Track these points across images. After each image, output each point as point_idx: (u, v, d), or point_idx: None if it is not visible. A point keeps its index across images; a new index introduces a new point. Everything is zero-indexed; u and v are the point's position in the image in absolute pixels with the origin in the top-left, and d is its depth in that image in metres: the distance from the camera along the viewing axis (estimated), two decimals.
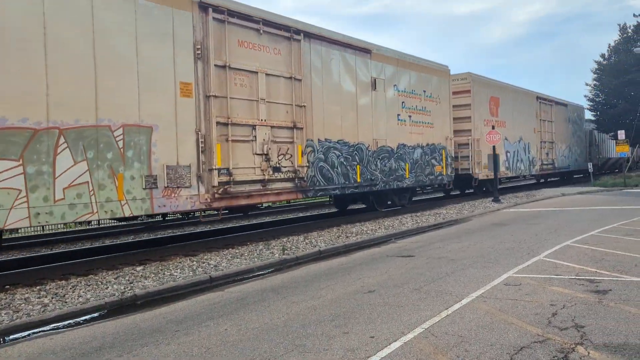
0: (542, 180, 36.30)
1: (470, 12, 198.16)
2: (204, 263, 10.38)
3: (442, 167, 20.53)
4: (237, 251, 11.66)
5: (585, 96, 43.69)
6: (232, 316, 6.83)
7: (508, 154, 26.26)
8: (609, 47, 42.09)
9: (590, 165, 33.46)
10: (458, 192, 27.23)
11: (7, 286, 8.70)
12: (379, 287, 7.95)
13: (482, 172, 23.84)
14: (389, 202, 19.09)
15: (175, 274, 9.51)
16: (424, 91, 19.51)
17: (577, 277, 7.90)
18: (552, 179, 37.05)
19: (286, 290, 8.21)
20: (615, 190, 28.08)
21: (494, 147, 22.74)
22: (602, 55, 42.01)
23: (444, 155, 20.75)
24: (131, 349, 5.74)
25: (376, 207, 18.73)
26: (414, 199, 21.44)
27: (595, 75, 42.03)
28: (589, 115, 42.07)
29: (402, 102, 18.12)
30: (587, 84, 42.81)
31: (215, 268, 9.94)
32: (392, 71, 17.72)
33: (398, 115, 17.85)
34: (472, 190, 25.84)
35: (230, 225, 17.57)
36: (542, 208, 19.48)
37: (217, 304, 7.58)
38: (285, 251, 11.52)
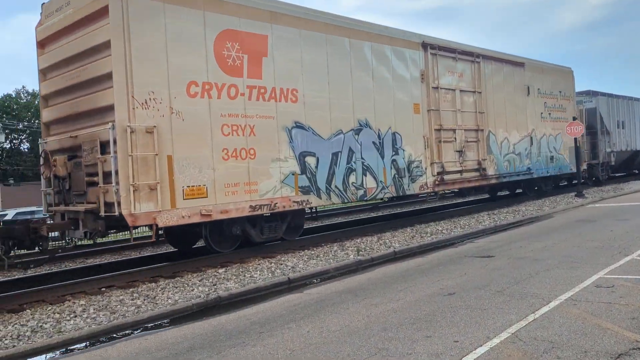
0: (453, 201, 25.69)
1: None
2: (281, 265, 10.60)
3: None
4: (312, 252, 11.81)
5: None
6: (313, 318, 6.93)
7: (306, 160, 12.56)
8: None
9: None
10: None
11: (103, 288, 9.30)
12: (459, 289, 7.80)
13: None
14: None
15: (255, 275, 9.78)
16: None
17: None
18: (477, 197, 25.47)
19: (364, 292, 8.22)
20: None
21: (575, 139, 21.76)
22: None
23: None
24: (220, 349, 5.97)
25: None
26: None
27: None
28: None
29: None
30: None
31: (292, 270, 10.12)
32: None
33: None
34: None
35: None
36: (632, 202, 18.32)
37: (297, 305, 7.72)
38: (360, 252, 11.54)
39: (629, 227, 12.49)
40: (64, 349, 6.56)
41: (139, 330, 7.13)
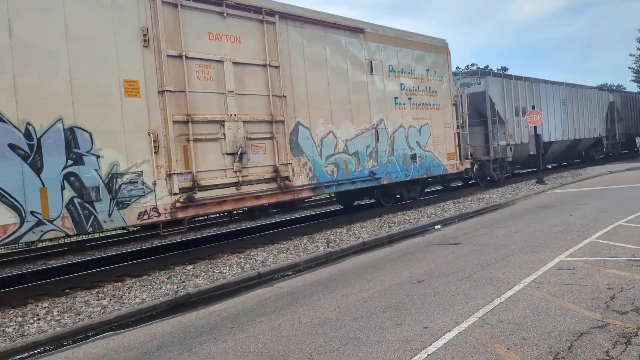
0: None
1: None
2: (251, 259, 10.55)
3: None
4: (282, 246, 11.80)
5: (629, 68, 42.00)
6: (284, 311, 6.94)
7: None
8: None
9: (638, 140, 32.67)
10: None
11: (67, 290, 9.08)
12: (427, 277, 7.92)
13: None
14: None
15: (224, 271, 9.71)
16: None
17: (633, 259, 7.68)
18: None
19: (335, 283, 8.27)
20: None
21: (535, 127, 22.23)
22: None
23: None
24: (190, 346, 5.92)
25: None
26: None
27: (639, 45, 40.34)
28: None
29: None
30: (631, 55, 41.17)
31: (262, 264, 10.09)
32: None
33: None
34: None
35: (273, 220, 17.77)
36: (589, 187, 18.93)
37: (268, 299, 7.71)
38: (330, 244, 11.59)
39: (587, 211, 12.91)
40: (28, 353, 6.38)
41: (106, 331, 6.99)
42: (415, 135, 16.80)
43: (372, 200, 17.98)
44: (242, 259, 10.62)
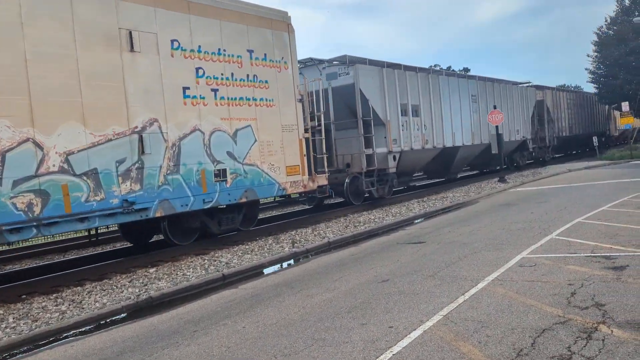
0: None
1: None
2: (215, 261, 10.39)
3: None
4: (247, 247, 11.66)
5: (586, 69, 43.21)
6: (249, 313, 6.83)
7: None
8: (605, 19, 41.68)
9: (595, 139, 33.43)
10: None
11: (24, 295, 8.73)
12: (392, 276, 7.94)
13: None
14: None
15: (188, 273, 9.52)
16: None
17: (592, 255, 7.86)
18: None
19: (300, 283, 8.20)
20: (622, 163, 27.95)
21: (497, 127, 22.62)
22: (600, 29, 41.61)
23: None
24: (152, 351, 5.75)
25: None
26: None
27: (596, 47, 41.63)
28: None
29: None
30: (588, 55, 42.40)
31: (227, 265, 9.95)
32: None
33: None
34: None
35: None
36: (550, 185, 19.41)
37: (232, 301, 7.59)
38: (295, 244, 11.52)
39: (548, 209, 13.21)
40: None
41: (65, 338, 6.74)
42: (225, 142, 11.91)
43: (308, 207, 17.25)
44: (206, 261, 10.44)
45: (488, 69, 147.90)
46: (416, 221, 14.03)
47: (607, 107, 42.81)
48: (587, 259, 7.64)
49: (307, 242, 11.72)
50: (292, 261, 10.35)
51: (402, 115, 18.91)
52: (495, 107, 23.55)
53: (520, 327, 5.21)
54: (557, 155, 36.33)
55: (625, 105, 31.07)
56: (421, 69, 20.70)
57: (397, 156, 18.64)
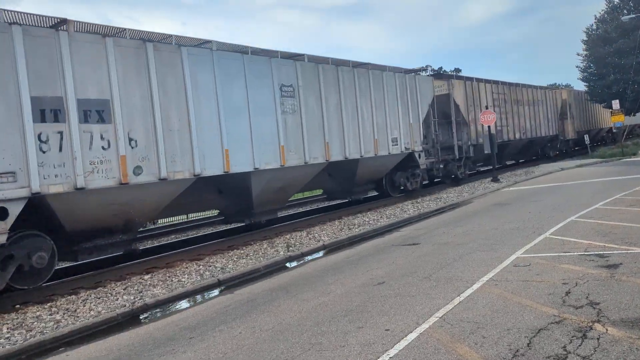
0: None
1: None
2: (210, 266, 10.36)
3: None
4: (242, 252, 11.64)
5: (577, 67, 43.48)
6: (245, 319, 6.81)
7: None
8: (595, 18, 42.00)
9: (586, 137, 33.55)
10: None
11: (18, 305, 8.65)
12: (388, 278, 7.94)
13: None
14: None
15: (183, 279, 9.48)
16: None
17: (586, 253, 7.91)
18: None
19: (295, 288, 8.19)
20: (613, 160, 28.14)
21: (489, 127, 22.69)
22: (589, 28, 41.90)
23: None
24: (148, 359, 5.72)
25: None
26: None
27: (585, 46, 41.91)
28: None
29: None
30: (578, 54, 42.69)
31: (222, 271, 9.92)
32: None
33: None
34: None
35: (232, 226, 17.51)
36: (543, 184, 19.50)
37: (228, 307, 7.57)
38: (290, 248, 11.50)
39: (541, 208, 13.26)
40: None
41: (60, 347, 6.70)
42: None
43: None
44: (201, 266, 10.41)
45: (478, 69, 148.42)
46: (411, 222, 14.05)
47: (560, 104, 35.32)
48: (581, 258, 7.68)
49: (302, 246, 11.71)
50: (287, 265, 10.34)
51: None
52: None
53: (516, 328, 5.23)
54: (482, 169, 28.03)
55: (615, 104, 31.28)
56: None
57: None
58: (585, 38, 41.86)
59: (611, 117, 32.19)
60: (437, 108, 21.49)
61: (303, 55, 15.09)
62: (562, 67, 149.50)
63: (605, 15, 40.87)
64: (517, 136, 28.35)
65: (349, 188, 17.74)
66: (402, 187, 19.53)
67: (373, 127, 17.17)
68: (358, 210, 17.00)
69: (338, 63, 16.29)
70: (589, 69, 41.76)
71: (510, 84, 28.86)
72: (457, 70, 57.59)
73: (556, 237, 9.41)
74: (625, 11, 38.70)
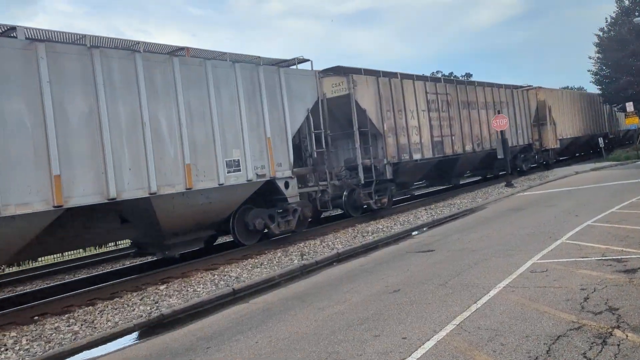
0: None
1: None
2: (225, 276, 10.39)
3: None
4: (256, 261, 11.66)
5: (589, 70, 43.14)
6: (261, 328, 6.83)
7: None
8: (606, 20, 41.68)
9: (600, 140, 33.15)
10: None
11: (36, 317, 8.75)
12: (403, 286, 7.91)
13: None
14: None
15: (198, 289, 9.52)
16: None
17: (603, 258, 7.82)
18: None
19: (310, 296, 8.19)
20: (628, 163, 27.84)
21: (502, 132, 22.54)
22: (602, 29, 41.60)
23: None
24: None
25: None
26: None
27: (597, 49, 41.58)
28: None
29: None
30: (590, 57, 42.36)
31: (237, 280, 9.95)
32: None
33: None
34: None
35: None
36: (557, 189, 19.33)
37: (243, 316, 7.58)
38: (304, 257, 11.51)
39: (556, 213, 13.15)
40: None
41: (78, 358, 6.76)
42: None
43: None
44: (216, 276, 10.45)
45: (488, 72, 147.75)
46: (424, 229, 14.00)
47: (534, 107, 29.29)
48: (598, 263, 7.59)
49: (316, 254, 11.71)
50: (301, 274, 10.34)
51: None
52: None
53: (534, 335, 5.18)
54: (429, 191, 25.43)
55: (629, 106, 31.01)
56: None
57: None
58: (597, 41, 41.53)
59: (625, 120, 31.87)
60: (334, 115, 16.49)
61: None
62: (572, 69, 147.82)
63: (617, 18, 40.55)
64: (469, 148, 22.58)
65: (158, 241, 11.64)
66: (265, 231, 13.37)
67: (182, 146, 11.03)
68: (371, 217, 16.96)
69: (95, 44, 10.07)
70: (602, 71, 41.41)
71: (458, 82, 24.87)
72: (469, 75, 57.52)
73: (573, 242, 9.32)
74: (636, 13, 38.39)
